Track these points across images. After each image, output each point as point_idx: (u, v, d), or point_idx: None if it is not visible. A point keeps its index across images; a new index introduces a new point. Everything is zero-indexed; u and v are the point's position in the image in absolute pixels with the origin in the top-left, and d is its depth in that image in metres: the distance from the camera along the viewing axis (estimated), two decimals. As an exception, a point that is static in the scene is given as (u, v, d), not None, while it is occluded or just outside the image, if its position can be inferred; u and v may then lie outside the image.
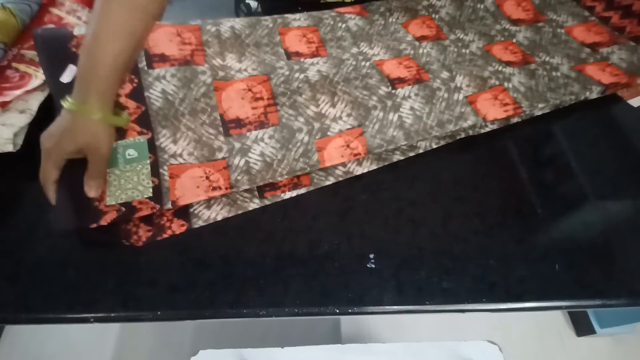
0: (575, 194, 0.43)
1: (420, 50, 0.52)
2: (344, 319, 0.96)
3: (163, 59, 0.42)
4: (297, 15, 0.51)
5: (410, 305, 0.35)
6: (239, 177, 0.39)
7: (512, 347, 0.97)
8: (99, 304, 0.34)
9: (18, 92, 0.44)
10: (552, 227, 0.40)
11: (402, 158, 0.45)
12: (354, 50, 0.50)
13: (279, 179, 0.40)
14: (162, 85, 0.41)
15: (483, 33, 0.57)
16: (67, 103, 0.36)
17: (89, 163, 0.36)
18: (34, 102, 0.46)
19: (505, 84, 0.50)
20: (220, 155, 0.40)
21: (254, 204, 0.40)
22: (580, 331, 1.00)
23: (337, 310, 0.35)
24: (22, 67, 0.46)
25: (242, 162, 0.40)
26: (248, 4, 0.66)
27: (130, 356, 0.94)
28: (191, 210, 0.40)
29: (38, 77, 0.46)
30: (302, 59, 0.47)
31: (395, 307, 0.35)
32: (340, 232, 0.39)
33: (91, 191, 0.37)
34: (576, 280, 0.36)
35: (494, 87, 0.49)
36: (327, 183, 0.42)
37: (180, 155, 0.39)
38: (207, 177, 0.39)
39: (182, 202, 0.37)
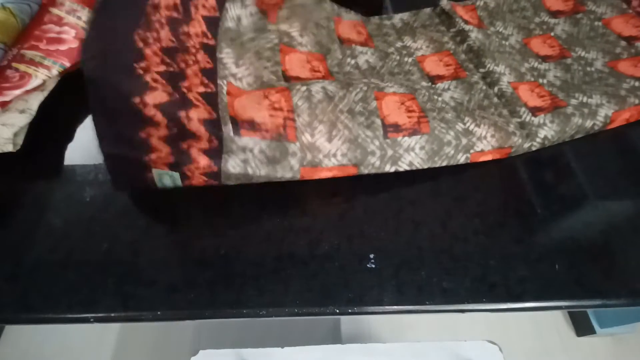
0: (575, 194, 0.43)
1: (460, 48, 0.54)
2: (344, 319, 0.96)
3: None
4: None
5: (410, 305, 0.35)
6: (299, 103, 0.41)
7: (512, 347, 0.97)
8: (99, 304, 0.34)
9: (18, 92, 0.44)
10: (552, 227, 0.40)
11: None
12: (398, 44, 0.55)
13: (340, 116, 0.41)
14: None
15: (522, 27, 0.58)
16: None
17: None
18: (34, 102, 0.46)
19: (540, 80, 0.51)
20: (278, 84, 0.43)
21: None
22: (580, 331, 1.00)
23: (337, 310, 0.35)
24: (22, 67, 0.46)
25: (304, 88, 0.42)
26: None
27: (130, 356, 0.94)
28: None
29: (38, 77, 0.46)
30: (353, 45, 0.53)
31: (395, 307, 0.35)
32: (340, 232, 0.39)
33: None
34: (576, 280, 0.36)
35: (530, 82, 0.50)
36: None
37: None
38: (267, 97, 0.40)
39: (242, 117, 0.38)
